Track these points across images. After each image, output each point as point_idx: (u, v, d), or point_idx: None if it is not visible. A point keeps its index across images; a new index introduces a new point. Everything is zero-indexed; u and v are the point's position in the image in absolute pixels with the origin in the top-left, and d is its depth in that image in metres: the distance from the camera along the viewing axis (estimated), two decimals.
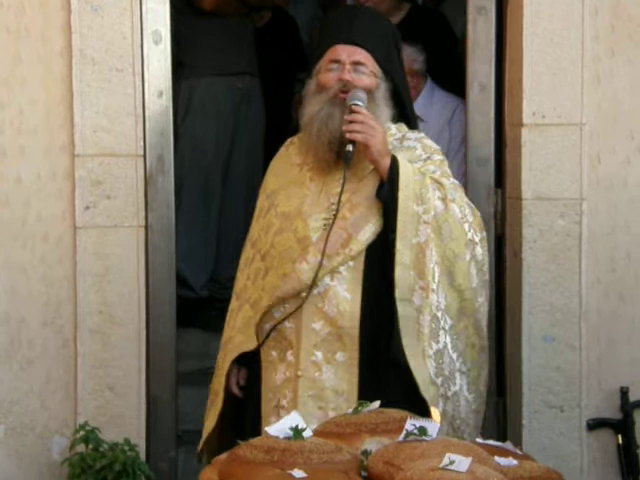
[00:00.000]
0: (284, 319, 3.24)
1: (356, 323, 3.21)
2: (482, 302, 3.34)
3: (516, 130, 3.99)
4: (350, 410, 2.70)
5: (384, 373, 3.21)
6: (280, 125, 5.31)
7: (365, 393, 3.17)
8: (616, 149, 3.98)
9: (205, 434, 3.44)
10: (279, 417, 3.20)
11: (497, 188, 4.12)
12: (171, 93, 4.02)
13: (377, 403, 2.72)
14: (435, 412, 2.80)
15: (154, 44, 3.96)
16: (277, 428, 2.49)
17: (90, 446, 3.78)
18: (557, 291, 3.95)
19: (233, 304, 3.44)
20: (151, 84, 3.95)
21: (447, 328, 3.27)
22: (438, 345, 3.25)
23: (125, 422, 3.92)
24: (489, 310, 4.06)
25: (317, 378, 3.23)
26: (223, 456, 2.60)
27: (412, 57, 4.45)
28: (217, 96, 5.27)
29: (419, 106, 4.47)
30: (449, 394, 3.26)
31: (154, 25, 3.95)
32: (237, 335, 3.36)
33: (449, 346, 3.27)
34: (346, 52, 3.29)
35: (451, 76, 4.48)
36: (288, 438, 2.43)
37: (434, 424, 2.50)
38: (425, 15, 4.96)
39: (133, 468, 3.74)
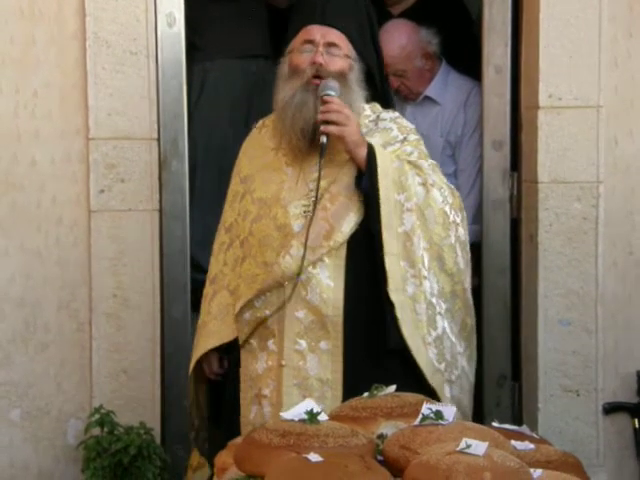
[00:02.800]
0: (274, 312, 3.20)
1: (339, 311, 3.18)
2: (469, 281, 3.34)
3: (532, 113, 3.96)
4: (366, 394, 2.70)
5: (370, 361, 3.18)
6: None
7: (350, 381, 3.16)
8: (633, 132, 3.95)
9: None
10: (261, 406, 3.22)
11: (513, 171, 4.10)
12: (185, 76, 4.01)
13: (393, 387, 2.71)
14: None
15: (168, 27, 3.94)
16: (292, 413, 2.48)
17: (105, 429, 3.79)
18: (573, 274, 3.93)
19: (207, 289, 3.39)
20: (165, 67, 3.94)
21: (443, 312, 3.24)
22: (437, 331, 3.22)
23: (140, 405, 3.92)
24: (504, 294, 4.08)
25: (301, 367, 3.19)
26: (239, 440, 2.60)
27: (427, 39, 4.42)
28: (230, 79, 5.24)
29: (434, 89, 4.45)
30: (453, 378, 3.25)
31: (168, 8, 3.94)
32: (212, 321, 3.33)
33: (448, 330, 3.25)
34: (320, 33, 3.24)
35: (467, 58, 4.45)
36: (303, 421, 2.43)
37: (450, 408, 2.49)
38: None
39: (148, 451, 3.75)
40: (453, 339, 3.27)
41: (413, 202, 3.21)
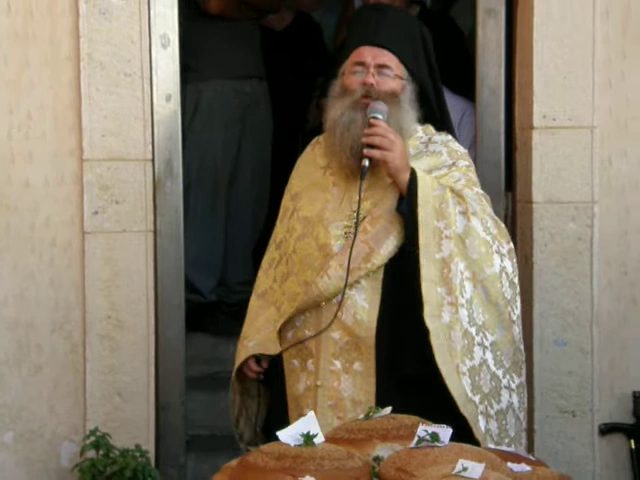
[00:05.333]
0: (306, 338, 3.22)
1: (372, 333, 3.18)
2: (518, 315, 3.27)
3: (526, 133, 3.97)
4: (362, 416, 2.68)
5: (401, 385, 3.17)
6: (292, 128, 5.28)
7: (383, 403, 3.13)
8: (627, 152, 3.96)
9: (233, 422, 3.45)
10: None
11: (507, 191, 4.10)
12: (179, 97, 4.01)
13: (388, 409, 2.70)
14: None
15: (162, 48, 3.95)
16: (289, 434, 2.47)
17: (101, 452, 3.76)
18: (568, 295, 3.93)
19: (253, 302, 3.39)
20: (159, 88, 3.94)
21: (487, 344, 3.18)
22: (473, 362, 3.16)
23: (134, 428, 3.90)
24: None
25: (335, 388, 3.20)
26: (234, 462, 2.59)
27: None
28: (224, 100, 5.25)
29: None
30: (492, 412, 3.18)
31: (162, 29, 3.94)
32: (255, 335, 3.32)
33: (490, 362, 3.18)
34: (371, 54, 3.24)
35: (461, 79, 4.46)
36: (299, 445, 2.41)
37: (446, 430, 2.48)
38: (434, 18, 4.94)
39: (143, 474, 3.72)
40: (499, 373, 3.20)
41: (452, 230, 3.18)
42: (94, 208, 3.88)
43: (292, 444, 2.42)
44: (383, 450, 2.54)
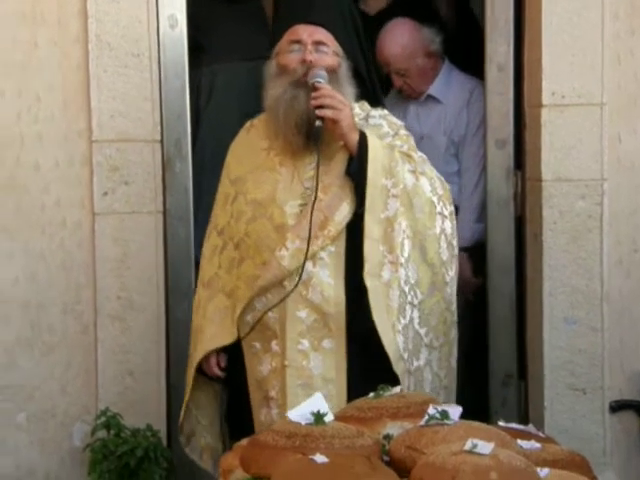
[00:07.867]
0: (268, 310, 3.20)
1: (341, 308, 3.17)
2: (452, 276, 3.30)
3: (535, 111, 3.96)
4: (371, 394, 2.69)
5: (373, 359, 3.17)
6: None
7: (354, 379, 3.16)
8: (637, 129, 3.95)
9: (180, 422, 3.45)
10: (270, 408, 3.21)
11: (517, 170, 4.10)
12: (187, 77, 4.01)
13: (398, 388, 2.71)
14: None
15: (170, 29, 3.94)
16: (299, 413, 2.48)
17: (112, 432, 3.78)
18: (578, 273, 3.93)
19: (200, 294, 3.37)
20: (168, 68, 3.94)
21: (416, 303, 3.22)
22: (405, 320, 3.19)
23: (145, 408, 3.92)
24: (509, 293, 4.07)
25: (305, 367, 3.18)
26: (244, 441, 2.60)
27: (429, 38, 4.42)
28: (239, 81, 5.25)
29: (437, 88, 4.45)
30: (412, 369, 3.22)
31: (170, 10, 3.94)
32: (209, 325, 3.31)
33: (415, 321, 3.22)
34: (307, 32, 3.23)
35: (470, 58, 4.44)
36: (310, 424, 2.42)
37: (456, 408, 2.48)
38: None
39: (155, 453, 3.74)
40: (422, 332, 3.24)
41: (400, 188, 3.19)
42: (104, 189, 3.89)
43: (302, 423, 2.43)
44: (393, 428, 2.54)
